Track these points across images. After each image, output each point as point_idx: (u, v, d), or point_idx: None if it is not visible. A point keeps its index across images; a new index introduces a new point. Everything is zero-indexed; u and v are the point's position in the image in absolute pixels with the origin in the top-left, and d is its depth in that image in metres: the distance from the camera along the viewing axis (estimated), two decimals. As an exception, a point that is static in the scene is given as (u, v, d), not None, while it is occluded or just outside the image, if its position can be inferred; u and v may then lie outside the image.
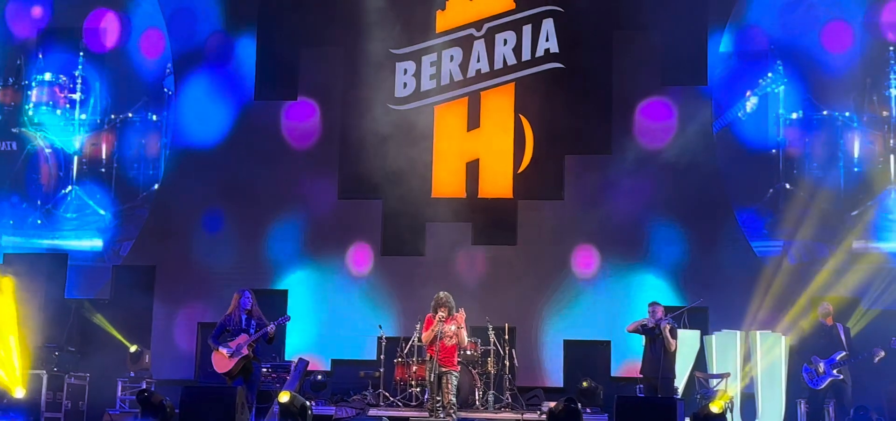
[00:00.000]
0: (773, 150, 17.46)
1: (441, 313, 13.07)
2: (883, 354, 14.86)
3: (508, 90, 17.62)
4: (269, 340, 13.53)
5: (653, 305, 13.85)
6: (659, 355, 13.54)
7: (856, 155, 17.31)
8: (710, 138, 17.09)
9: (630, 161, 17.07)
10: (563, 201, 17.28)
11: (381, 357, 16.00)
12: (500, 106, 17.62)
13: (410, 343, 15.63)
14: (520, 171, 17.44)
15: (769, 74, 17.46)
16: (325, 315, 17.29)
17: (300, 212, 17.54)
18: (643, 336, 14.06)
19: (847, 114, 17.35)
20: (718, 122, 17.36)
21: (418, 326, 15.02)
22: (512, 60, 17.58)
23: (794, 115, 17.51)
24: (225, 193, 17.64)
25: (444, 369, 13.06)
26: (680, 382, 15.64)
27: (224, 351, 13.24)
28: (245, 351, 13.22)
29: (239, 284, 14.60)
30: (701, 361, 16.00)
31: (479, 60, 17.65)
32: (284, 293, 17.31)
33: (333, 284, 17.34)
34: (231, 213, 17.63)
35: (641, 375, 13.96)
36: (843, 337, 15.10)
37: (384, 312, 17.12)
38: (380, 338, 16.24)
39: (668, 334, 13.43)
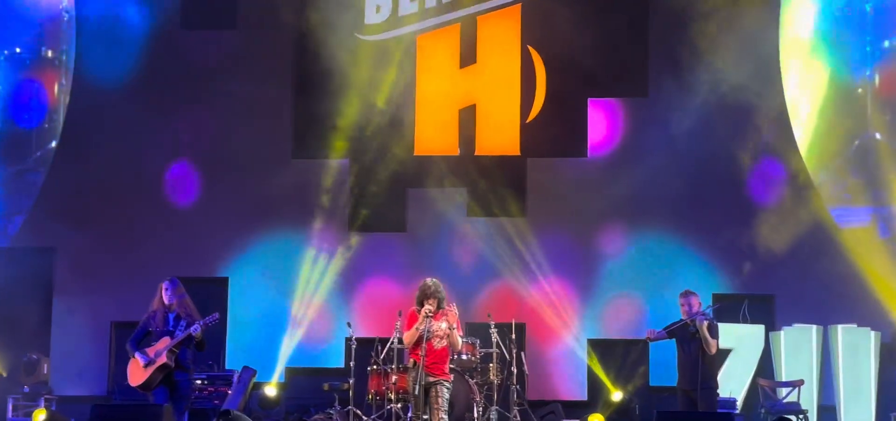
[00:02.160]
0: (860, 90, 17.48)
1: (428, 307, 12.98)
2: None
3: (513, 14, 17.68)
4: (198, 345, 13.48)
5: (685, 295, 13.70)
6: (696, 360, 13.34)
7: (968, 95, 17.36)
8: (776, 75, 17.15)
9: (673, 105, 17.10)
10: (586, 159, 17.36)
11: (351, 364, 15.89)
12: (502, 35, 17.68)
13: (389, 346, 15.61)
14: (529, 120, 17.51)
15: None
16: (278, 310, 17.32)
17: (244, 176, 17.55)
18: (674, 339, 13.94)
19: (953, 43, 17.43)
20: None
21: (398, 323, 15.00)
22: (518, -26, 17.69)
23: (886, 44, 17.52)
24: (144, 153, 17.64)
25: (432, 379, 13.00)
26: (739, 393, 15.74)
27: (139, 359, 13.23)
28: (163, 359, 13.17)
29: (167, 272, 14.57)
30: (766, 364, 16.04)
31: (474, -25, 17.74)
32: (224, 282, 17.40)
33: (288, 271, 17.35)
34: (153, 178, 17.62)
35: (677, 387, 13.89)
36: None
37: (354, 305, 17.17)
38: (349, 339, 16.16)
39: (707, 332, 13.33)
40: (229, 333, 17.15)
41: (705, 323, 13.29)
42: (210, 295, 16.56)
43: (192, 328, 13.23)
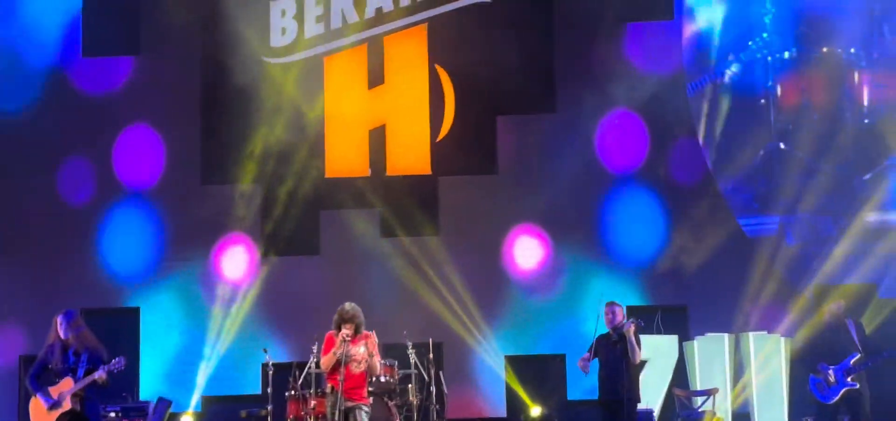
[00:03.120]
0: (762, 101, 17.75)
1: (346, 331, 12.93)
2: None
3: (419, 34, 17.71)
4: (103, 385, 13.19)
5: (611, 305, 13.88)
6: (620, 371, 13.42)
7: (865, 103, 17.68)
8: (681, 88, 17.37)
9: (581, 121, 17.23)
10: (497, 176, 17.42)
11: (269, 391, 15.86)
12: (409, 55, 17.69)
13: (306, 370, 15.52)
14: (439, 139, 17.55)
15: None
16: (192, 338, 17.18)
17: (152, 204, 17.41)
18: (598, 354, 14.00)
19: (852, 51, 17.72)
20: (697, 84, 17.62)
21: (315, 347, 14.95)
22: (423, -6, 17.74)
23: (787, 55, 17.81)
24: (51, 183, 17.42)
25: (350, 404, 12.94)
26: (655, 403, 15.87)
27: (42, 400, 12.88)
28: (68, 404, 12.81)
29: (77, 303, 14.40)
30: (680, 374, 16.20)
31: (379, -5, 17.75)
32: (135, 312, 17.20)
33: (202, 298, 17.23)
34: (57, 206, 17.38)
35: (599, 400, 13.96)
36: (855, 336, 15.41)
37: (270, 331, 17.08)
38: (265, 365, 16.11)
39: (634, 338, 13.44)
40: (143, 363, 16.93)
41: (633, 327, 13.38)
42: (121, 325, 16.40)
43: (96, 374, 12.90)
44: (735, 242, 17.02)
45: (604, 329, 13.76)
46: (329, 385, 13.00)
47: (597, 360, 13.75)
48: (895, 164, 17.43)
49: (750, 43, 17.82)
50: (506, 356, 17.05)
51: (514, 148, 17.46)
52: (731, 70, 17.79)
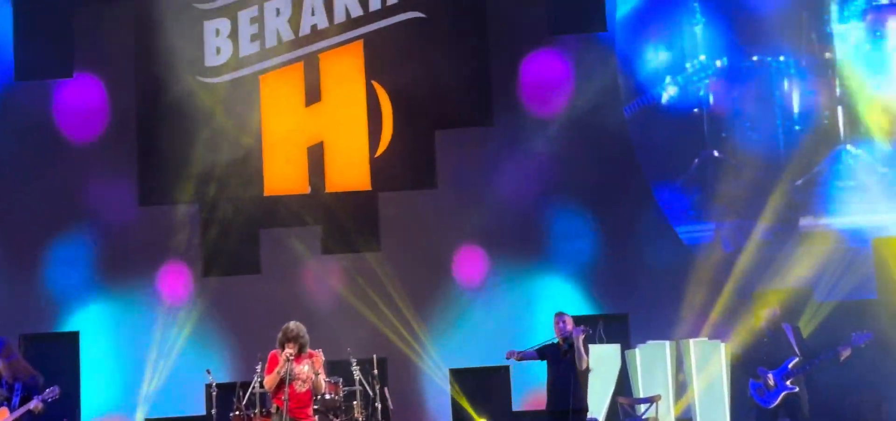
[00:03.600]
0: (696, 110, 17.94)
1: (289, 350, 12.88)
2: (849, 352, 15.44)
3: (356, 50, 17.70)
4: (39, 414, 13.04)
5: (560, 315, 13.83)
6: (568, 380, 13.48)
7: (796, 110, 17.92)
8: (616, 99, 17.52)
9: (519, 134, 17.34)
10: (437, 189, 17.45)
11: (213, 412, 15.77)
12: (346, 72, 17.67)
13: (250, 390, 15.45)
14: (378, 154, 17.53)
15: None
16: (133, 361, 17.01)
17: (89, 226, 17.26)
18: (545, 359, 14.06)
19: (781, 59, 17.97)
20: (634, 105, 17.77)
21: (259, 367, 14.88)
22: (357, 11, 17.68)
23: (718, 64, 18.01)
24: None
25: (295, 422, 12.94)
26: (600, 412, 15.96)
27: (-24, 432, 12.75)
28: (3, 436, 12.70)
29: (14, 330, 14.22)
30: (624, 382, 16.32)
31: (314, 13, 17.69)
32: (74, 337, 17.00)
33: (142, 320, 17.08)
34: (-5, 233, 17.22)
35: (547, 410, 13.97)
36: (792, 340, 15.60)
37: (213, 351, 16.97)
38: (209, 385, 16.03)
39: (582, 346, 13.49)
40: (83, 388, 16.75)
41: (583, 335, 13.41)
42: (60, 350, 16.24)
43: (31, 403, 12.77)
44: (673, 250, 17.19)
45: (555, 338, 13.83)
46: (274, 405, 12.93)
47: (546, 370, 13.76)
48: (826, 169, 17.69)
49: (687, 65, 17.98)
50: (450, 369, 17.06)
51: (454, 162, 17.49)
52: (668, 93, 17.93)
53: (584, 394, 13.77)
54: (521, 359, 13.89)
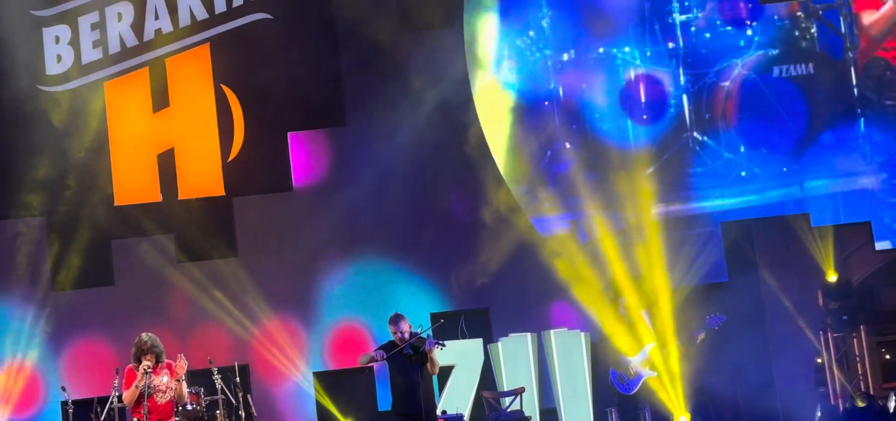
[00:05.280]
0: (546, 102, 18.10)
1: (146, 363, 12.63)
2: (703, 335, 15.78)
3: (202, 54, 17.47)
4: None
5: (396, 320, 13.32)
6: (415, 382, 13.17)
7: (643, 100, 18.23)
8: (467, 93, 17.58)
9: (373, 132, 17.34)
10: (292, 193, 17.34)
11: (70, 429, 15.47)
12: (193, 76, 17.45)
13: (108, 405, 15.16)
14: (230, 159, 17.34)
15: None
16: (-17, 382, 16.51)
17: (-71, 243, 16.66)
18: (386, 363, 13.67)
19: (627, 50, 18.25)
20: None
21: (116, 381, 14.59)
22: (202, 14, 17.50)
23: (565, 56, 18.22)
24: None
25: (159, 435, 12.69)
26: (465, 408, 16.03)
27: None
28: None
29: None
30: (487, 376, 16.41)
31: (157, 17, 17.44)
32: (-83, 360, 16.44)
33: (-12, 338, 16.58)
34: None
35: (395, 413, 13.63)
36: (650, 326, 15.91)
37: (67, 367, 16.57)
38: (65, 403, 15.69)
39: (436, 357, 13.31)
40: (-73, 414, 16.19)
41: (436, 348, 13.19)
42: None
43: None
44: (531, 242, 17.29)
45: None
46: (134, 418, 12.69)
47: (389, 371, 13.42)
48: (675, 157, 18.04)
49: (518, 41, 18.08)
50: (314, 373, 16.94)
51: (308, 163, 17.39)
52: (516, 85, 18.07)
53: (433, 393, 13.65)
54: (369, 363, 13.66)
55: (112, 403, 15.07)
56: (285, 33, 17.46)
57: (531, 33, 18.15)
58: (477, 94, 17.71)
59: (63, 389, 15.81)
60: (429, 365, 13.24)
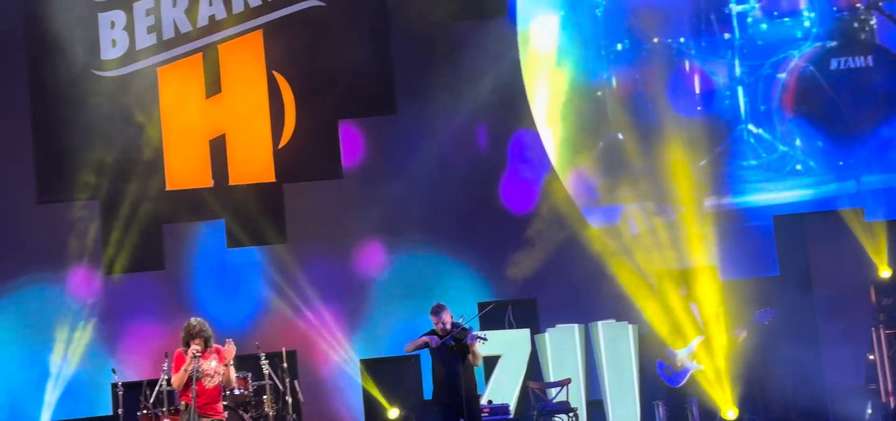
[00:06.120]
0: (600, 93, 18.06)
1: (194, 347, 12.78)
2: (745, 333, 15.72)
3: (255, 40, 17.62)
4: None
5: (438, 311, 13.43)
6: (457, 371, 13.28)
7: (697, 91, 18.14)
8: (519, 83, 17.58)
9: (423, 121, 17.40)
10: (342, 180, 17.44)
11: (119, 412, 15.70)
12: (245, 62, 17.59)
13: (157, 388, 15.32)
14: (281, 145, 17.46)
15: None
16: (36, 363, 16.81)
17: (-14, 225, 16.97)
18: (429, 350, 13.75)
19: (682, 40, 18.16)
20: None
21: (166, 364, 14.76)
22: (255, 1, 17.58)
23: (619, 47, 18.16)
24: None
25: (205, 419, 12.83)
26: (511, 398, 16.07)
27: None
28: None
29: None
30: (534, 367, 16.46)
31: (211, 4, 17.59)
32: (-26, 340, 16.76)
33: (44, 320, 16.86)
34: None
35: (434, 401, 13.75)
36: (698, 319, 15.87)
37: (118, 349, 16.81)
38: (115, 385, 15.89)
39: (478, 349, 13.37)
40: (-16, 390, 16.54)
41: (478, 343, 13.25)
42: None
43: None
44: (580, 233, 17.27)
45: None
46: (183, 403, 12.85)
47: (431, 360, 13.61)
48: (727, 149, 17.93)
49: (572, 30, 17.97)
50: (361, 360, 17.05)
51: (358, 151, 17.50)
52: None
53: (475, 383, 13.67)
54: (414, 350, 13.79)
55: (161, 386, 15.20)
56: (337, 21, 17.55)
57: (586, 23, 18.13)
58: (529, 84, 17.69)
59: (113, 371, 15.99)
60: (470, 357, 13.33)
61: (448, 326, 13.34)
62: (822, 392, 16.77)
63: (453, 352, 13.29)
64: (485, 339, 13.37)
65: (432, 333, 13.43)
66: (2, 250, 16.94)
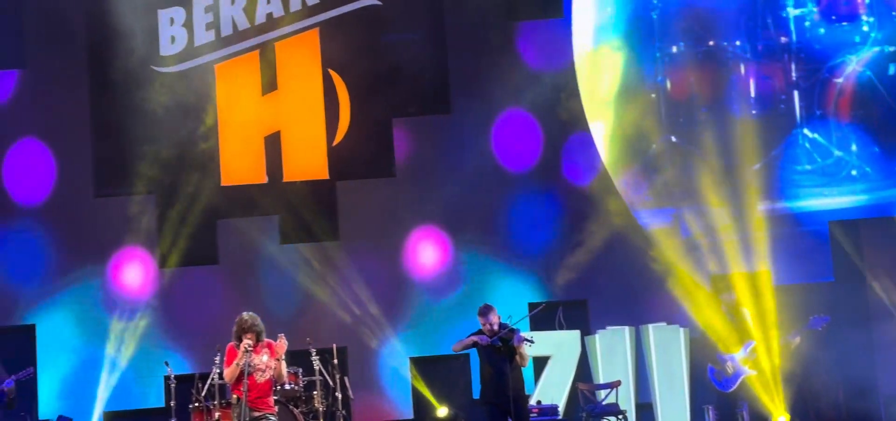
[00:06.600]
0: (653, 95, 18.03)
1: (247, 341, 12.85)
2: (798, 340, 15.63)
3: (311, 38, 17.72)
4: (9, 404, 12.98)
5: (485, 312, 13.45)
6: (504, 371, 13.27)
7: (752, 94, 18.06)
8: (573, 83, 17.58)
9: (476, 121, 17.42)
10: (395, 178, 17.51)
11: (172, 404, 15.70)
12: (302, 60, 17.70)
13: (209, 382, 15.41)
14: (335, 143, 17.56)
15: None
16: (91, 354, 16.97)
17: (45, 218, 17.18)
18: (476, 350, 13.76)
19: (737, 44, 18.08)
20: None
21: (218, 358, 14.85)
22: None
23: (674, 49, 18.12)
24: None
25: (256, 413, 12.85)
26: (560, 399, 16.08)
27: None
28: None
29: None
30: (583, 368, 16.47)
31: (269, 2, 17.69)
32: (31, 330, 16.95)
33: (99, 312, 17.04)
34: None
35: (482, 401, 13.72)
36: (750, 324, 15.79)
37: (171, 343, 16.96)
38: (167, 377, 15.94)
39: (525, 351, 13.40)
40: (41, 382, 16.65)
41: (524, 344, 13.29)
42: (17, 344, 16.20)
43: (4, 385, 12.74)
44: (632, 236, 17.25)
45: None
46: (234, 396, 12.93)
47: (479, 360, 13.61)
48: (782, 153, 17.84)
49: (626, 32, 17.94)
50: (411, 358, 17.13)
51: (411, 150, 17.55)
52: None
53: (522, 383, 13.65)
54: (461, 349, 13.83)
55: (213, 379, 15.22)
56: (393, 20, 17.66)
57: (641, 24, 18.13)
58: (583, 84, 17.69)
59: (166, 364, 16.05)
60: (517, 357, 13.38)
61: (495, 327, 13.40)
62: (875, 399, 16.61)
63: (501, 352, 13.33)
64: (532, 341, 13.40)
65: (480, 333, 13.48)
66: (60, 243, 17.12)
